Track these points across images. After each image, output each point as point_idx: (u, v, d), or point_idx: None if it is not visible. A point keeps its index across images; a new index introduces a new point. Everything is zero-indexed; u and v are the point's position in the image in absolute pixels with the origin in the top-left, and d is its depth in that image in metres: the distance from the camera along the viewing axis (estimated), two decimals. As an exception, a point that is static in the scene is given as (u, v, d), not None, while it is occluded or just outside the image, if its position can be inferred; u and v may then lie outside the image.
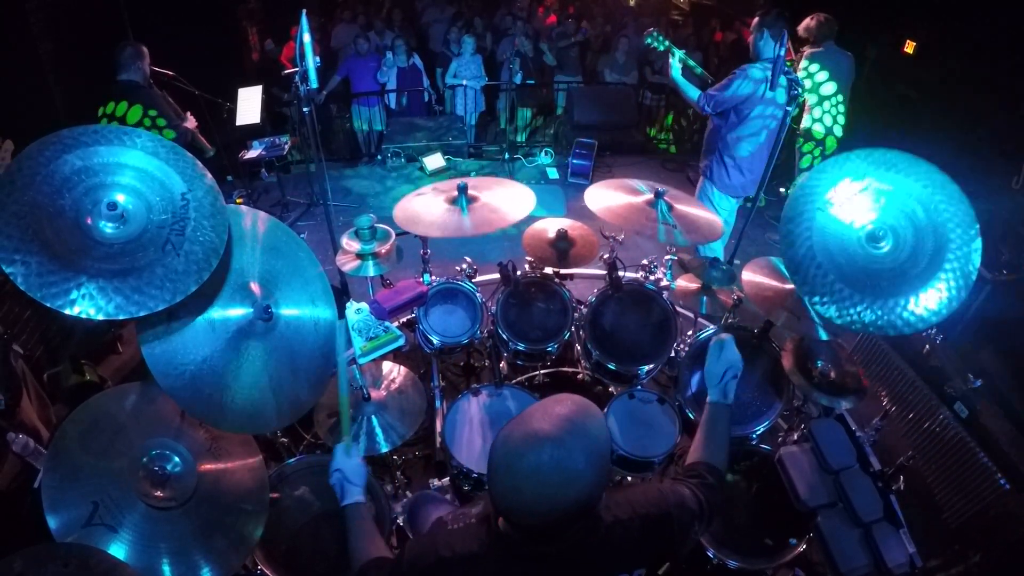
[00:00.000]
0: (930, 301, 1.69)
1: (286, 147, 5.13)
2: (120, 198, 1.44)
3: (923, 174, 1.78)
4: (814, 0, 4.45)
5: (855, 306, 1.72)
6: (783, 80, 2.89)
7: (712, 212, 2.60)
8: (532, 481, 1.00)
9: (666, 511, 1.20)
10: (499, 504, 1.07)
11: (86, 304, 1.30)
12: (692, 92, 3.40)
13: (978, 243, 1.69)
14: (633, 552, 1.17)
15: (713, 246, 3.43)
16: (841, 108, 4.43)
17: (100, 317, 1.30)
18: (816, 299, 1.73)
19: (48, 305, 1.26)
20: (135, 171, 1.49)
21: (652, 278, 2.93)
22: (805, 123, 4.52)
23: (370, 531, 1.41)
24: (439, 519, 1.25)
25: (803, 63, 4.30)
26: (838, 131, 4.48)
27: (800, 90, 2.71)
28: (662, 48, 3.50)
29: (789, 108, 2.69)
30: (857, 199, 1.80)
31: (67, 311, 1.28)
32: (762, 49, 3.28)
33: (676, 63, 3.43)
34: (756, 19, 3.29)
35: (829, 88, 4.38)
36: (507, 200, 2.52)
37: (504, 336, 2.66)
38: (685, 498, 1.24)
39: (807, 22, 4.28)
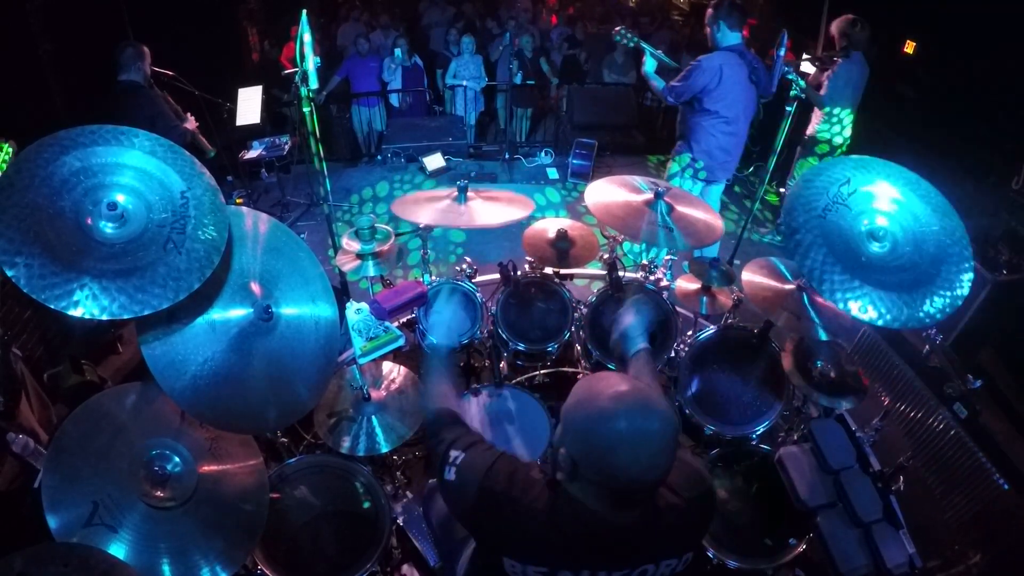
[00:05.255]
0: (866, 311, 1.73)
1: (286, 147, 5.12)
2: (120, 198, 1.44)
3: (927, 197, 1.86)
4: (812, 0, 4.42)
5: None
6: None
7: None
8: (627, 444, 1.05)
9: (708, 487, 1.25)
10: (585, 465, 1.09)
11: (89, 304, 1.30)
12: (659, 83, 3.49)
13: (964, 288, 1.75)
14: (684, 536, 1.22)
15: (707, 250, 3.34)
16: (848, 122, 4.20)
17: (104, 317, 1.30)
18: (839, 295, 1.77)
19: (52, 307, 1.26)
20: (134, 171, 1.49)
21: (652, 278, 2.92)
22: (810, 131, 4.31)
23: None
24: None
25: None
26: (844, 145, 4.26)
27: (795, 90, 2.72)
28: (631, 45, 3.61)
29: (788, 108, 2.69)
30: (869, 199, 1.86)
31: (70, 312, 1.27)
32: (720, 40, 3.31)
33: (649, 58, 3.52)
34: (709, 11, 3.30)
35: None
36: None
37: (504, 336, 2.66)
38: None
39: (844, 26, 3.86)
